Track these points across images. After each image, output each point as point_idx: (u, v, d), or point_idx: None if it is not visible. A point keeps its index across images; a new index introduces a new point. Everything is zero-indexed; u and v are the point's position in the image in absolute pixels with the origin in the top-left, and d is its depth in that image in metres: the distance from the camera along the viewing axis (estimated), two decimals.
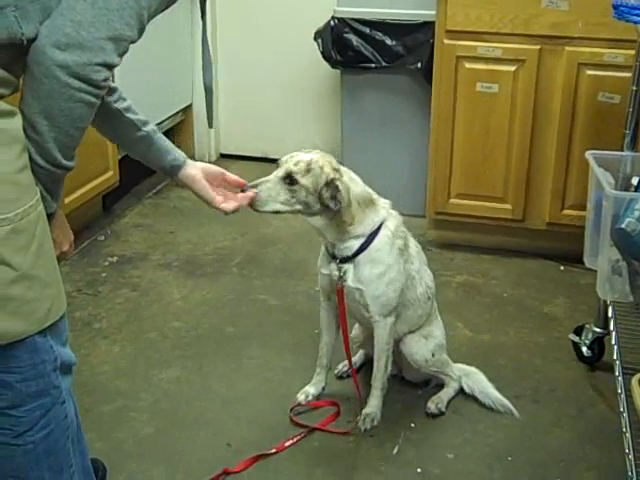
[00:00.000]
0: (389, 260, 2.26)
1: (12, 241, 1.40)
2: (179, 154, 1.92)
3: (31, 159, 1.44)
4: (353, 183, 2.22)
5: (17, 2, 1.36)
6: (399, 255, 2.29)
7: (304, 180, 2.14)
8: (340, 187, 2.14)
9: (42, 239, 1.46)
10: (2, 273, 1.40)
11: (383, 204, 2.29)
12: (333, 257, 2.27)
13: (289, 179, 2.13)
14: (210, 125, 2.01)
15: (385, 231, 2.26)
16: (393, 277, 2.28)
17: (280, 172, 2.15)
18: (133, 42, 1.45)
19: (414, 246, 2.39)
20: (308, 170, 2.15)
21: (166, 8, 1.54)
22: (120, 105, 1.80)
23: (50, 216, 1.52)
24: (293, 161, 2.16)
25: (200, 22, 1.83)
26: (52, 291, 1.50)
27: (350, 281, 2.26)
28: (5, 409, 1.53)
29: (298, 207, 2.16)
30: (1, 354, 1.47)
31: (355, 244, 2.23)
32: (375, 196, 2.28)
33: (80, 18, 1.37)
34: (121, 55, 1.44)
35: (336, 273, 2.26)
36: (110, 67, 1.42)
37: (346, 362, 2.60)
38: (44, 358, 1.52)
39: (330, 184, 2.14)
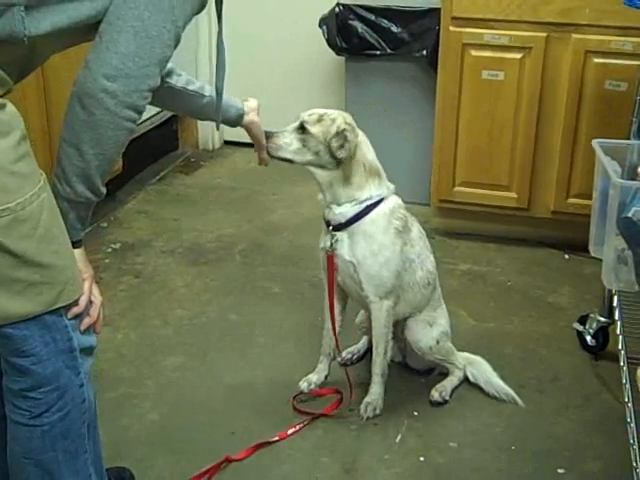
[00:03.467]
0: (384, 240, 2.27)
1: (15, 230, 1.41)
2: (239, 102, 2.17)
3: (70, 186, 1.49)
4: (365, 147, 2.28)
5: (28, 2, 1.37)
6: (395, 236, 2.28)
7: (314, 129, 2.23)
8: (349, 137, 2.21)
9: (49, 225, 1.47)
10: (6, 261, 1.42)
11: (388, 184, 2.31)
12: (328, 225, 2.28)
13: (301, 129, 2.23)
14: (217, 127, 2.01)
15: (382, 207, 2.27)
16: (388, 257, 2.27)
17: (295, 123, 2.27)
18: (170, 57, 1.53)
19: (417, 230, 2.39)
20: (319, 120, 2.24)
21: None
22: (181, 82, 1.94)
23: (77, 244, 1.57)
24: (307, 113, 2.27)
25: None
26: (65, 276, 1.52)
27: (345, 254, 2.27)
28: (24, 391, 1.57)
29: (309, 157, 2.24)
30: (14, 336, 1.50)
31: (350, 211, 2.25)
32: (383, 173, 2.31)
33: (124, 50, 1.43)
34: (162, 73, 1.52)
35: (328, 243, 2.27)
36: (153, 90, 1.49)
37: (350, 349, 2.61)
38: (56, 337, 1.54)
39: (340, 134, 2.21)
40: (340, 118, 2.25)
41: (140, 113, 1.49)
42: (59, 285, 1.50)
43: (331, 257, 2.29)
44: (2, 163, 1.39)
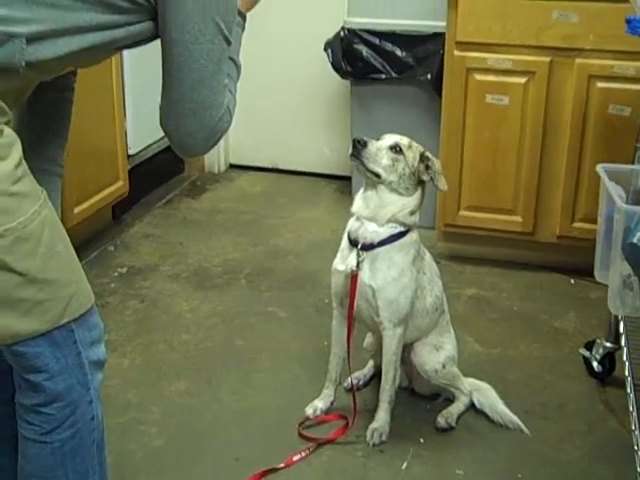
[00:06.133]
0: (404, 265, 2.28)
1: (17, 249, 1.43)
2: None
3: None
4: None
5: (31, 34, 1.38)
6: (412, 263, 2.30)
7: (408, 153, 2.28)
8: (431, 157, 2.30)
9: (51, 242, 1.49)
10: (10, 280, 1.44)
11: None
12: (355, 245, 2.28)
13: (395, 149, 2.26)
14: None
15: (409, 236, 2.30)
16: (406, 284, 2.28)
17: (387, 142, 2.28)
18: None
19: (428, 258, 2.41)
20: (410, 146, 2.30)
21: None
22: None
23: None
24: (397, 136, 2.31)
25: None
26: (69, 291, 1.53)
27: (365, 277, 2.26)
28: (37, 406, 1.58)
29: (392, 178, 2.26)
30: (25, 353, 1.52)
31: (385, 232, 2.26)
32: None
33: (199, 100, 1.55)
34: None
35: (354, 262, 2.26)
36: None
37: (356, 374, 2.60)
38: (65, 352, 1.55)
39: (423, 156, 2.30)
40: (419, 146, 2.32)
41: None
42: (63, 301, 1.51)
43: (355, 276, 2.27)
44: (1, 187, 1.41)
